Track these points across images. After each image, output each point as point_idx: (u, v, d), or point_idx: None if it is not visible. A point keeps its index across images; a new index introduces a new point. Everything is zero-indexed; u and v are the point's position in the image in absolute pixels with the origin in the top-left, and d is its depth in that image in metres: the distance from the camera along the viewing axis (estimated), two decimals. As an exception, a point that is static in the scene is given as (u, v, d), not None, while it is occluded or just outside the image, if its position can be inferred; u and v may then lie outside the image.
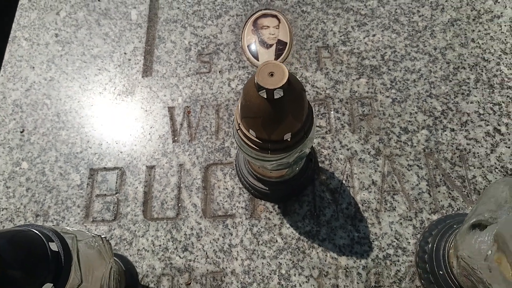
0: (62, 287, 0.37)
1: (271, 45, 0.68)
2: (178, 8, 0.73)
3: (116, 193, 0.61)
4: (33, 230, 0.37)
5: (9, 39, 0.74)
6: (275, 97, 0.39)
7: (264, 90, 0.39)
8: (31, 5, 0.76)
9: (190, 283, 0.54)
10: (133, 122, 0.65)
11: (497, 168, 0.58)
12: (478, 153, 0.59)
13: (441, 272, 0.50)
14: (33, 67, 0.71)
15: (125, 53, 0.71)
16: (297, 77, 0.65)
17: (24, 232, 0.36)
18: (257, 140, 0.44)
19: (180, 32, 0.71)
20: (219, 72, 0.68)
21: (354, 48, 0.67)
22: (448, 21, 0.68)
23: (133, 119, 0.66)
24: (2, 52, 0.73)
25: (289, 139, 0.43)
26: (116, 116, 0.66)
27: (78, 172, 0.62)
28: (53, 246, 0.37)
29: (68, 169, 0.63)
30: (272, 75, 0.39)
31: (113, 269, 0.47)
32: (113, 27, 0.73)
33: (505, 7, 0.68)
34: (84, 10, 0.75)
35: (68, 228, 0.42)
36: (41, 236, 0.37)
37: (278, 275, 0.54)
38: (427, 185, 0.58)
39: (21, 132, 0.66)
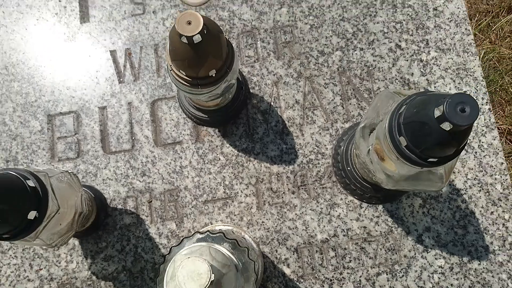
0: (44, 213, 0.47)
1: (198, -18, 0.73)
2: (104, -51, 0.75)
3: (75, 134, 0.69)
4: (10, 172, 0.46)
5: None
6: (195, 42, 0.47)
7: (186, 38, 0.46)
8: (-47, -44, 0.76)
9: (151, 201, 0.66)
10: (79, 68, 0.71)
11: (397, 79, 0.69)
12: (382, 67, 0.70)
13: (348, 168, 0.64)
14: (-29, 23, 0.73)
15: (59, 1, 0.74)
16: (225, 12, 0.72)
17: (2, 175, 0.45)
18: (188, 78, 0.52)
19: (110, -25, 0.74)
20: (153, 12, 0.73)
21: (275, -21, 0.73)
22: None
23: (79, 65, 0.71)
24: None
25: (214, 75, 0.52)
26: (62, 64, 0.71)
27: (37, 119, 0.69)
28: (30, 183, 0.46)
29: (27, 117, 0.69)
30: (189, 23, 0.46)
31: (83, 197, 0.57)
32: (42, -25, 0.74)
33: None
34: (9, -42, 0.75)
35: (39, 168, 0.51)
36: (19, 176, 0.46)
37: (223, 186, 0.66)
38: (340, 99, 0.69)
39: (-26, 87, 0.70)
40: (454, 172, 0.66)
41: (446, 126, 0.38)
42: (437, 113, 0.38)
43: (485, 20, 1.12)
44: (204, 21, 0.47)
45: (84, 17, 0.73)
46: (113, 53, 0.72)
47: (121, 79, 0.70)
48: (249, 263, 0.46)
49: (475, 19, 1.12)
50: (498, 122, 1.06)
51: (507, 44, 1.11)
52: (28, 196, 0.45)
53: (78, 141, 0.68)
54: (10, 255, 0.65)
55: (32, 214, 0.45)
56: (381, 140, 0.47)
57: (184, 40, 0.47)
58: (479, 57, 1.00)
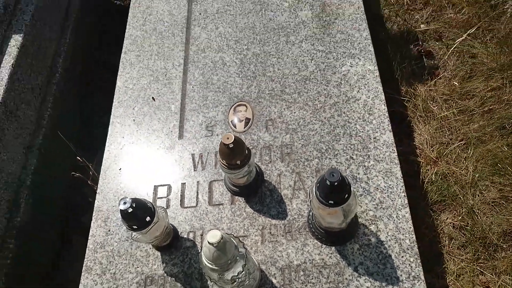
0: (152, 219, 1.00)
1: (242, 120, 1.34)
2: (195, 103, 1.41)
3: (167, 196, 1.25)
4: (144, 200, 1.02)
5: (110, 122, 1.43)
6: (230, 146, 1.03)
7: (225, 145, 1.03)
8: (120, 105, 1.47)
9: (203, 234, 1.17)
10: (175, 162, 1.31)
11: (350, 176, 1.19)
12: (341, 169, 1.20)
13: (313, 222, 1.10)
14: (123, 137, 1.39)
15: (169, 128, 1.38)
16: (255, 136, 1.31)
17: (140, 199, 1.01)
18: (226, 164, 1.08)
19: (196, 116, 1.38)
20: (216, 135, 1.34)
21: (284, 120, 1.32)
22: (333, 103, 1.32)
23: (174, 161, 1.31)
24: (104, 128, 1.42)
25: (239, 163, 1.07)
26: (167, 160, 1.32)
27: (149, 188, 1.28)
28: (149, 205, 1.01)
29: (146, 189, 1.28)
30: (228, 138, 1.03)
31: (168, 222, 1.10)
32: (162, 114, 1.41)
33: (362, 94, 1.32)
34: (147, 106, 1.44)
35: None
36: (146, 201, 1.01)
37: (243, 229, 1.16)
38: (315, 185, 1.19)
39: (119, 169, 1.33)
40: (380, 230, 1.09)
41: (327, 182, 0.88)
42: (325, 177, 0.88)
43: (443, 147, 1.61)
44: (234, 137, 1.04)
45: (181, 136, 1.36)
46: (193, 155, 1.31)
47: (195, 169, 1.29)
48: (243, 251, 0.93)
49: (437, 146, 1.61)
50: (452, 213, 1.47)
51: (456, 164, 1.58)
52: (148, 210, 1.00)
53: (168, 200, 1.24)
54: (123, 258, 1.17)
55: (147, 218, 0.99)
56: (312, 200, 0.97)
57: (226, 146, 1.04)
58: (432, 173, 1.47)
